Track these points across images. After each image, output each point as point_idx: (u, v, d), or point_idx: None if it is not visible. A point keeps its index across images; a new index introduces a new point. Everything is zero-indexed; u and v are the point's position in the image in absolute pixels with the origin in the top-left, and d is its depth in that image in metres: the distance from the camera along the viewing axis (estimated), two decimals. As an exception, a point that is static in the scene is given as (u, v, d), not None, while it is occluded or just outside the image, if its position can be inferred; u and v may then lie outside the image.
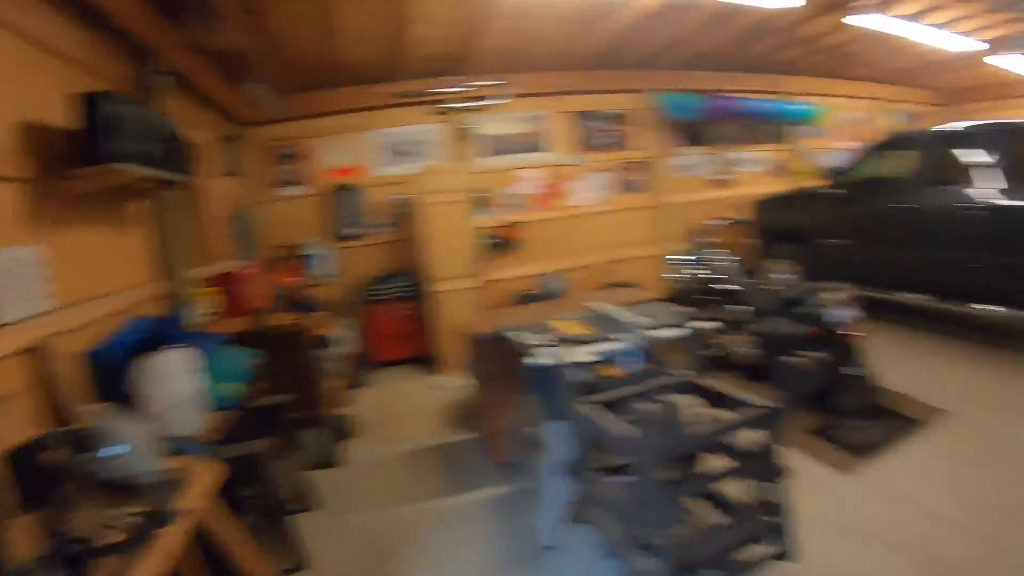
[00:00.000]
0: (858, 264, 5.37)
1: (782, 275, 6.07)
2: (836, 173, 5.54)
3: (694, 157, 6.95)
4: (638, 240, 6.50)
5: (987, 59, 6.80)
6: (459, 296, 4.83)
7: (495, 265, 5.64)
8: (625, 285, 5.84)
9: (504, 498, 2.92)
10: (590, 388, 2.30)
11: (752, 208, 6.57)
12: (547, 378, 2.33)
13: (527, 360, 2.41)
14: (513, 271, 5.76)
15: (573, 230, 6.16)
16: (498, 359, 2.94)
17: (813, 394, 3.42)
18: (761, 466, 2.08)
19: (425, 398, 4.46)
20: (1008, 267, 4.27)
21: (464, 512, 2.83)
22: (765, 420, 2.03)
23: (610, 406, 2.15)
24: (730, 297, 4.39)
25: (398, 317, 5.19)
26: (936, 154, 4.85)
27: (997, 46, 6.28)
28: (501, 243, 5.73)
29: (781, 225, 6.14)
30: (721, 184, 7.11)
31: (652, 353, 2.53)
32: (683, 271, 4.83)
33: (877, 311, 5.62)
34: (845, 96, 8.52)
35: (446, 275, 4.84)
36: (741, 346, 4.16)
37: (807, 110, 7.51)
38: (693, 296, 4.65)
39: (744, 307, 4.23)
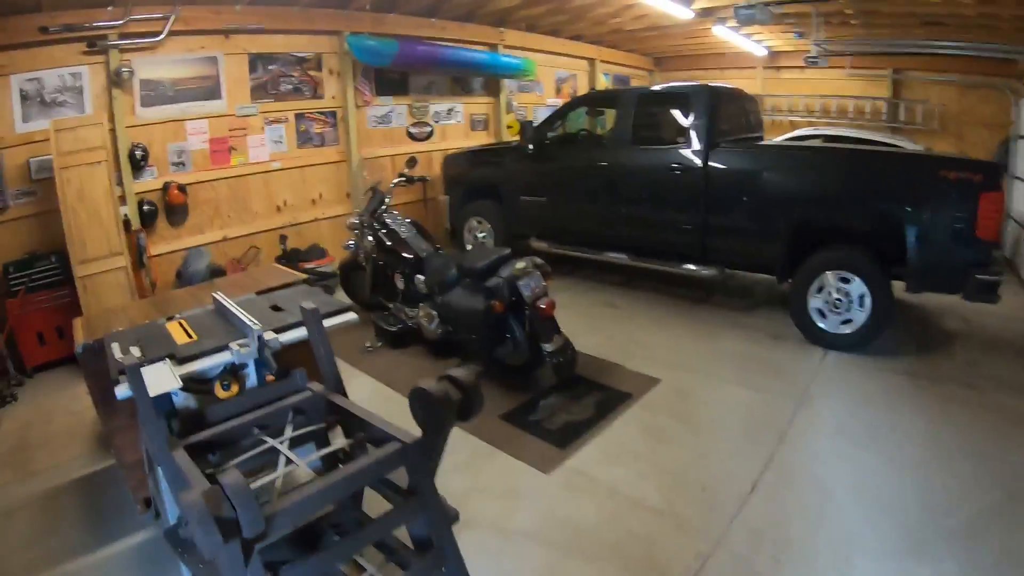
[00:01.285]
0: (554, 222, 5.30)
1: (471, 239, 5.81)
2: (534, 129, 5.43)
3: (390, 107, 6.55)
4: (326, 200, 6.01)
5: (712, 30, 7.15)
6: (110, 279, 4.01)
7: (160, 237, 4.83)
8: (309, 253, 5.41)
9: (152, 544, 2.40)
10: (193, 421, 1.77)
11: (445, 163, 6.33)
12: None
13: (116, 388, 1.76)
14: (181, 242, 4.98)
15: (251, 190, 5.49)
16: (105, 377, 2.30)
17: (458, 423, 3.13)
18: (415, 508, 1.63)
19: (85, 407, 3.57)
20: (700, 226, 4.32)
21: (108, 571, 2.30)
22: (401, 458, 1.58)
23: (216, 446, 1.67)
24: (411, 265, 4.01)
25: (50, 308, 4.17)
26: (632, 113, 4.81)
27: (707, 15, 6.56)
28: (166, 209, 4.87)
29: (475, 182, 5.94)
30: (420, 137, 6.82)
31: (272, 363, 2.00)
32: (361, 237, 4.36)
33: (574, 270, 5.68)
34: (559, 53, 8.59)
35: (94, 254, 3.97)
36: (426, 321, 3.86)
37: (519, 64, 7.34)
38: (372, 266, 4.28)
39: (426, 278, 3.89)
